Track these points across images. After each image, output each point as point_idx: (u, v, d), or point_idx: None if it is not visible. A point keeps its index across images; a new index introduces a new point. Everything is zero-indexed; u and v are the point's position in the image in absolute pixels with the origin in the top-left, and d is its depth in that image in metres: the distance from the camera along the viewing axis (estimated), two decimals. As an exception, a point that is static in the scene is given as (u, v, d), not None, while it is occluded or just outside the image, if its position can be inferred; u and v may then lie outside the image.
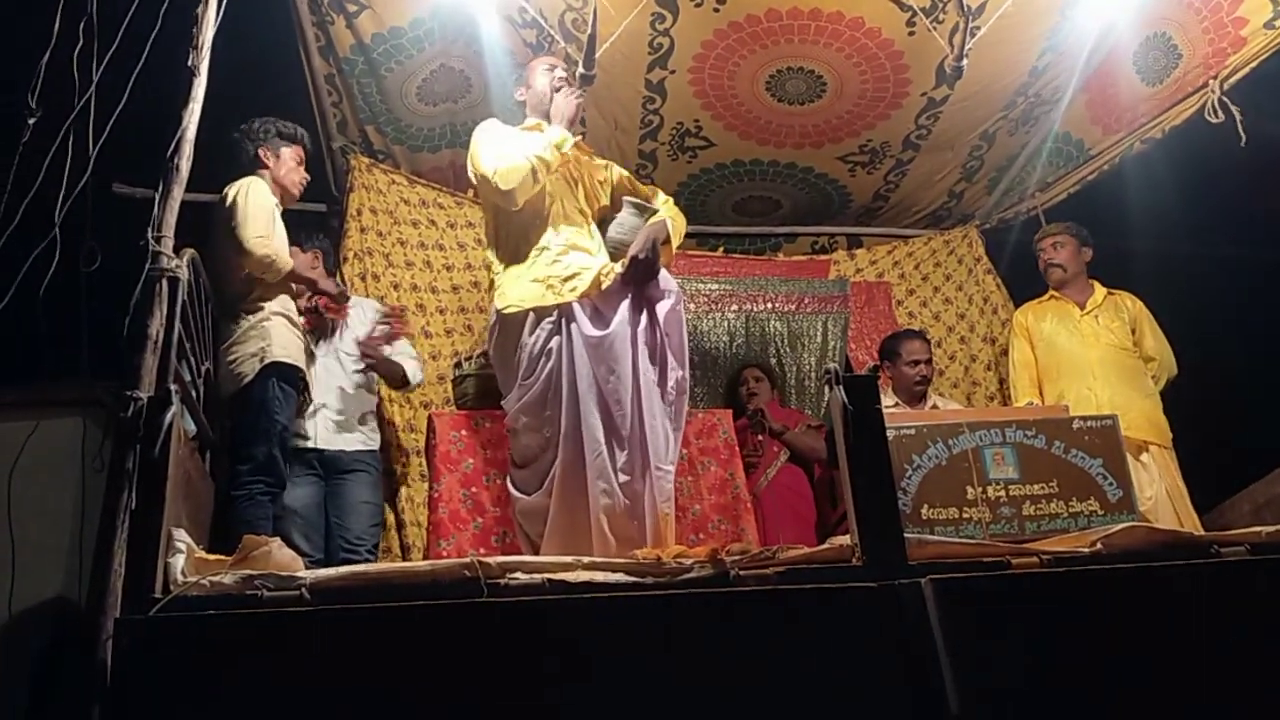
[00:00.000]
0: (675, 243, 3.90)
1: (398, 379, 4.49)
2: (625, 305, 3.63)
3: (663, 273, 3.73)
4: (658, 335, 3.67)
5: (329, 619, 2.53)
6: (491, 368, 4.56)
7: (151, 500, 2.66)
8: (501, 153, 3.69)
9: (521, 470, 3.70)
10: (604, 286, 3.64)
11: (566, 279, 3.63)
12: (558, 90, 3.95)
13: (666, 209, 3.96)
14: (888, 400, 5.06)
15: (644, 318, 3.66)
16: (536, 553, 3.52)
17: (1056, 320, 5.07)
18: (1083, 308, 5.05)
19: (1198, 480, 4.70)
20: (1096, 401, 4.72)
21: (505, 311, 3.64)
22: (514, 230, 3.75)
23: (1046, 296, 5.23)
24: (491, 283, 3.83)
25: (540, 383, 3.57)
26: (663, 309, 3.69)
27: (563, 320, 3.60)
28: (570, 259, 3.69)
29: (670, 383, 3.67)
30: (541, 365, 3.57)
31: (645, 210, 3.92)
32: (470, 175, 3.90)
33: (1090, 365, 4.88)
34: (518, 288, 3.65)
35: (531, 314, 3.61)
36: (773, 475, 4.97)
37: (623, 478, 3.51)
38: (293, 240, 4.12)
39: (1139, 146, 5.46)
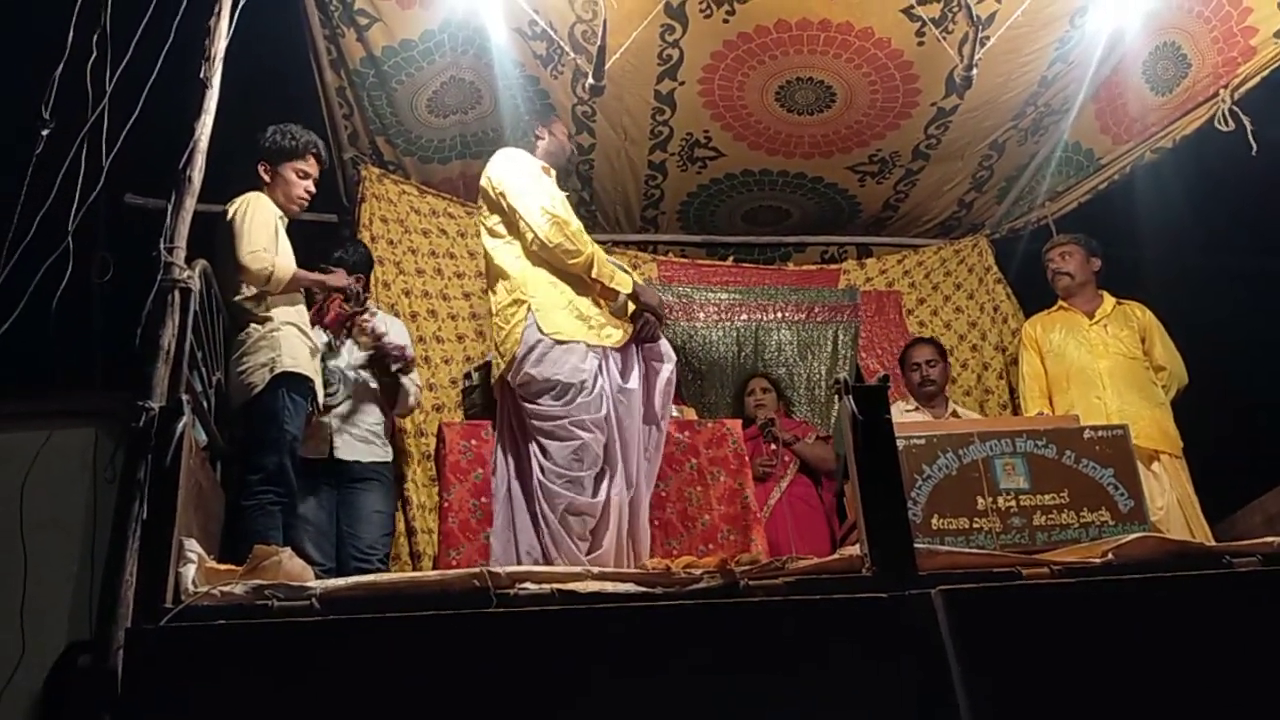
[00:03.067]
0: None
1: (393, 398, 4.50)
2: (637, 362, 3.89)
3: (664, 340, 4.00)
4: (650, 395, 3.92)
5: (339, 629, 2.53)
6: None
7: (163, 510, 2.67)
8: (569, 214, 3.90)
9: (575, 474, 3.68)
10: (624, 340, 3.88)
11: (603, 326, 3.85)
12: (572, 156, 4.33)
13: (637, 274, 4.27)
14: (907, 407, 5.08)
15: (644, 378, 3.92)
16: (588, 551, 3.61)
17: (1065, 331, 5.05)
18: (1091, 318, 5.04)
19: (1210, 490, 4.68)
20: (1106, 411, 4.70)
21: (558, 338, 3.75)
22: (548, 267, 3.86)
23: (1055, 307, 5.22)
24: (520, 303, 3.83)
25: (604, 408, 3.73)
26: (661, 374, 3.94)
27: (601, 362, 3.80)
28: (601, 308, 3.90)
29: (655, 439, 3.94)
30: (601, 392, 3.74)
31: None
32: (506, 194, 3.91)
33: (1099, 375, 4.86)
34: (565, 319, 3.79)
35: (584, 346, 3.77)
36: (786, 486, 4.97)
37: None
38: (319, 253, 4.15)
39: (1149, 156, 5.45)
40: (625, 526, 3.72)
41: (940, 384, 5.13)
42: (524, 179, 3.93)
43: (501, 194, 3.92)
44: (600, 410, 3.71)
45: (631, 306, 3.96)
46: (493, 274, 3.97)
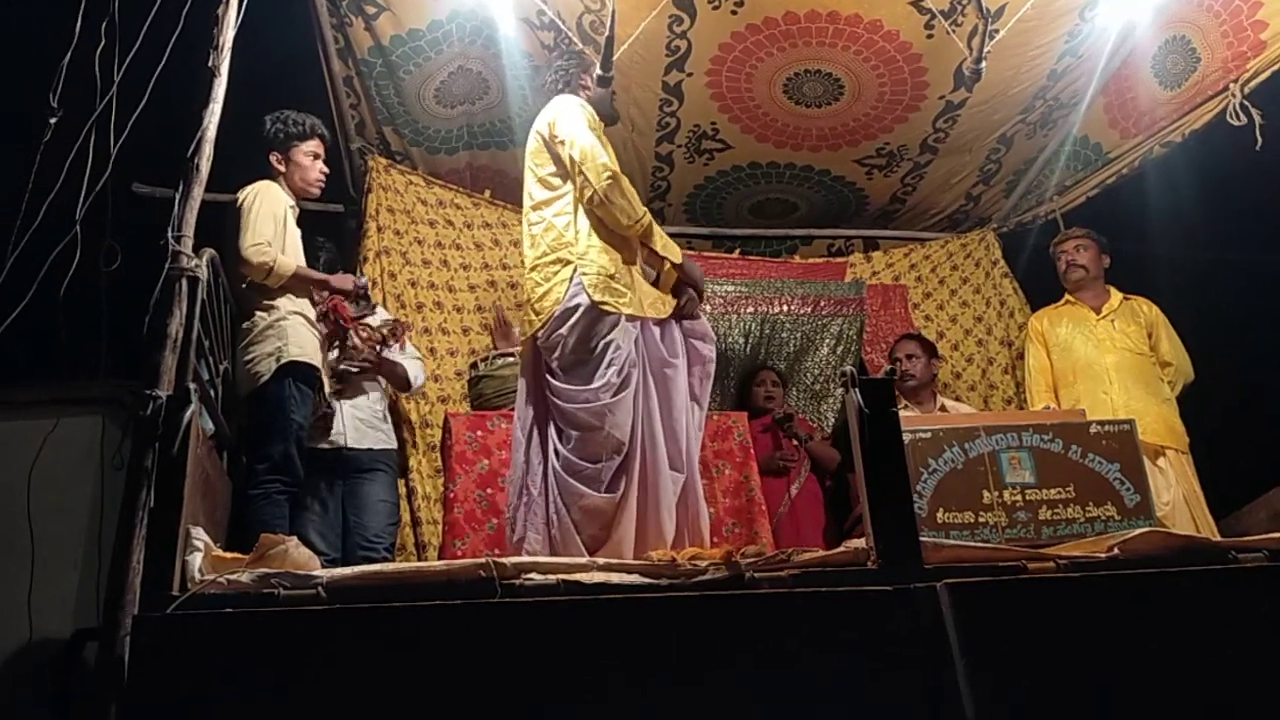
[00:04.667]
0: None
1: (400, 380, 4.48)
2: (679, 337, 3.73)
3: (704, 321, 3.85)
4: (691, 374, 3.76)
5: (345, 618, 2.53)
6: (505, 369, 4.59)
7: (169, 498, 2.67)
8: (619, 177, 3.66)
9: (594, 465, 3.54)
10: (666, 314, 3.73)
11: (646, 297, 3.69)
12: (614, 102, 4.11)
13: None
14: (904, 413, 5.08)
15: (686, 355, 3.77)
16: (600, 543, 3.49)
17: (1072, 325, 5.05)
18: (1098, 313, 5.03)
19: (1216, 486, 4.67)
20: (1112, 406, 4.70)
21: (603, 306, 3.54)
22: (600, 228, 3.66)
23: (1062, 302, 5.21)
24: (566, 263, 3.63)
25: (630, 387, 3.54)
26: (703, 352, 3.79)
27: (639, 336, 3.63)
28: (645, 280, 3.77)
29: (694, 420, 3.76)
30: (631, 371, 3.56)
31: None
32: (566, 143, 3.69)
33: (1106, 370, 4.86)
34: (608, 284, 3.58)
35: (624, 319, 3.58)
36: (803, 481, 4.98)
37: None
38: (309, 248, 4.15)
39: (1158, 150, 5.43)
40: (664, 508, 3.54)
41: (920, 379, 5.08)
42: (587, 132, 3.70)
43: (561, 142, 3.69)
44: (625, 390, 3.52)
45: (673, 280, 3.84)
46: (535, 226, 3.74)
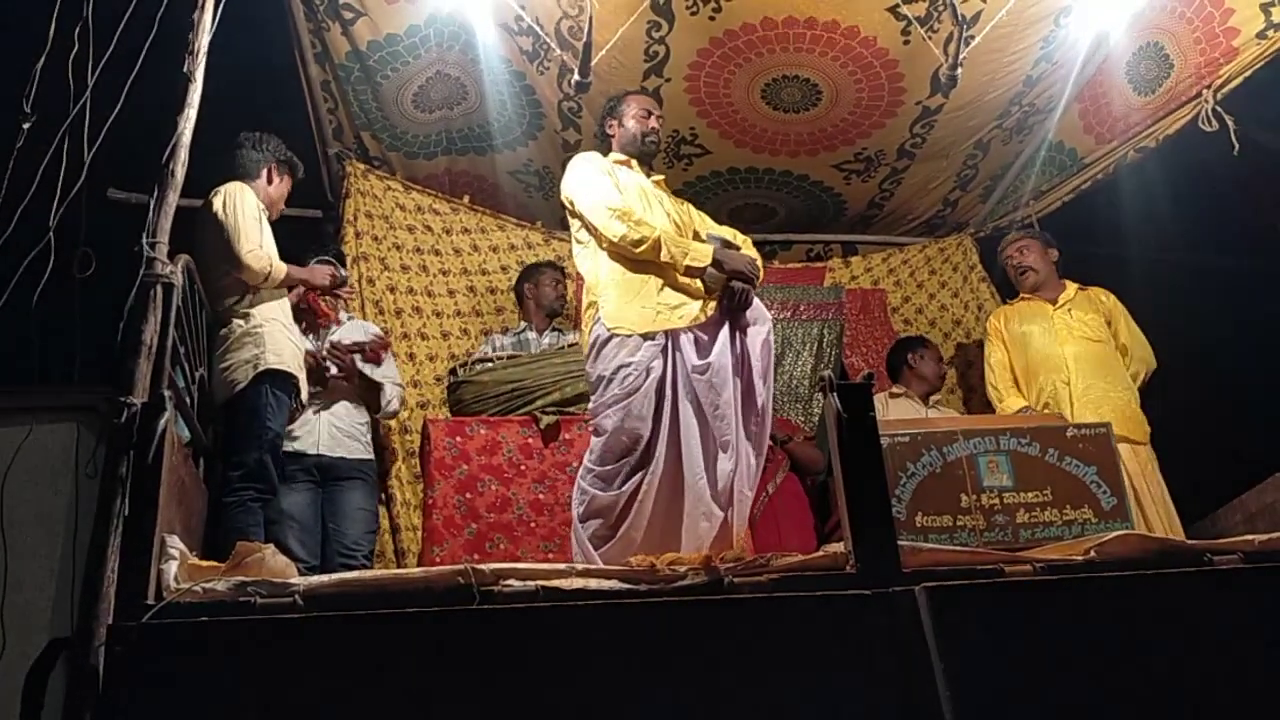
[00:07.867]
0: (760, 276, 3.92)
1: (373, 397, 4.48)
2: (724, 333, 3.74)
3: (756, 301, 3.83)
4: (746, 362, 3.75)
5: (322, 626, 2.52)
6: (484, 375, 4.59)
7: (145, 506, 2.65)
8: (631, 203, 3.79)
9: (604, 468, 3.64)
10: (707, 316, 3.73)
11: (674, 307, 3.73)
12: (647, 136, 4.09)
13: (746, 246, 4.02)
14: (896, 390, 5.29)
15: (737, 344, 3.76)
16: (605, 542, 3.55)
17: (1030, 319, 5.12)
18: (1055, 304, 5.09)
19: (1191, 488, 4.70)
20: (1070, 394, 4.76)
21: (616, 332, 3.70)
22: (622, 262, 3.78)
23: (1018, 299, 5.29)
24: (592, 304, 3.83)
25: (639, 395, 3.63)
26: (755, 336, 3.78)
27: (669, 344, 3.70)
28: (676, 289, 3.77)
29: (756, 407, 3.73)
30: (643, 381, 3.64)
31: (730, 247, 3.95)
32: (574, 201, 3.87)
33: (1064, 359, 4.91)
34: (626, 313, 3.72)
35: (638, 337, 3.68)
36: (780, 483, 4.98)
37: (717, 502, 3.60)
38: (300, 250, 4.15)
39: (1133, 155, 5.47)
40: (685, 516, 3.57)
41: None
42: (584, 184, 3.88)
43: (571, 201, 3.89)
44: (631, 396, 3.61)
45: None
46: (582, 280, 3.98)
